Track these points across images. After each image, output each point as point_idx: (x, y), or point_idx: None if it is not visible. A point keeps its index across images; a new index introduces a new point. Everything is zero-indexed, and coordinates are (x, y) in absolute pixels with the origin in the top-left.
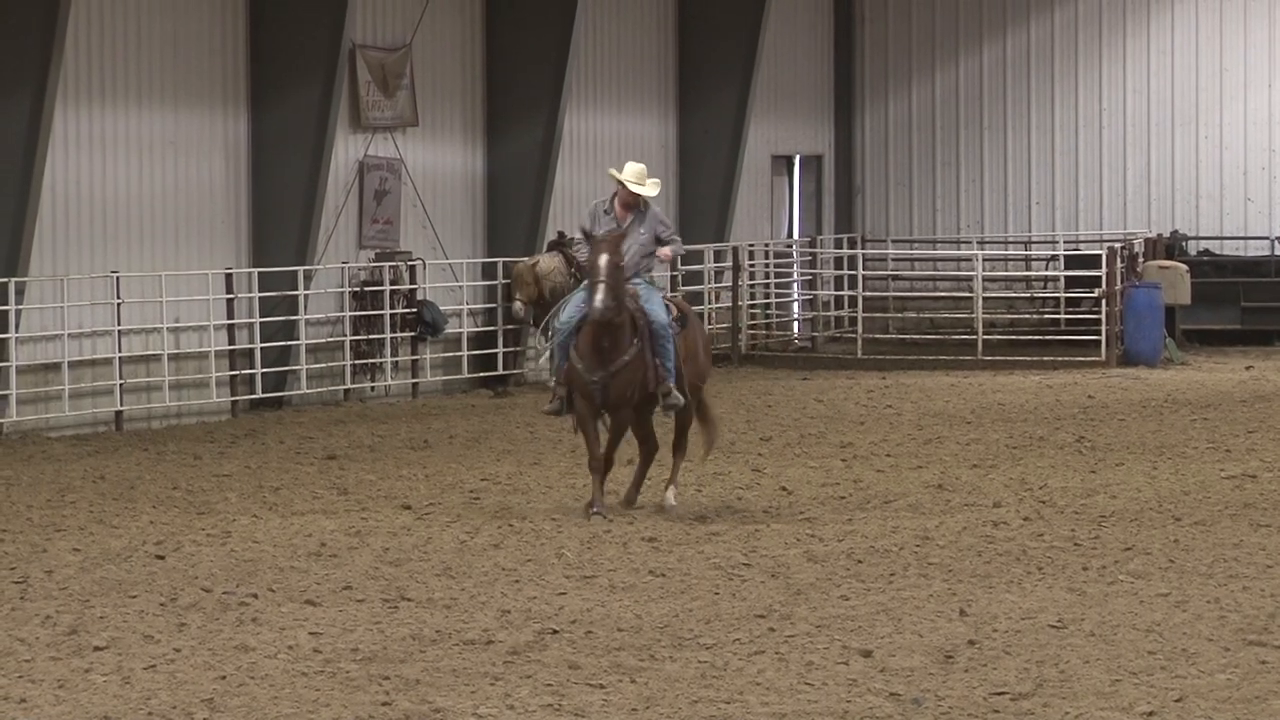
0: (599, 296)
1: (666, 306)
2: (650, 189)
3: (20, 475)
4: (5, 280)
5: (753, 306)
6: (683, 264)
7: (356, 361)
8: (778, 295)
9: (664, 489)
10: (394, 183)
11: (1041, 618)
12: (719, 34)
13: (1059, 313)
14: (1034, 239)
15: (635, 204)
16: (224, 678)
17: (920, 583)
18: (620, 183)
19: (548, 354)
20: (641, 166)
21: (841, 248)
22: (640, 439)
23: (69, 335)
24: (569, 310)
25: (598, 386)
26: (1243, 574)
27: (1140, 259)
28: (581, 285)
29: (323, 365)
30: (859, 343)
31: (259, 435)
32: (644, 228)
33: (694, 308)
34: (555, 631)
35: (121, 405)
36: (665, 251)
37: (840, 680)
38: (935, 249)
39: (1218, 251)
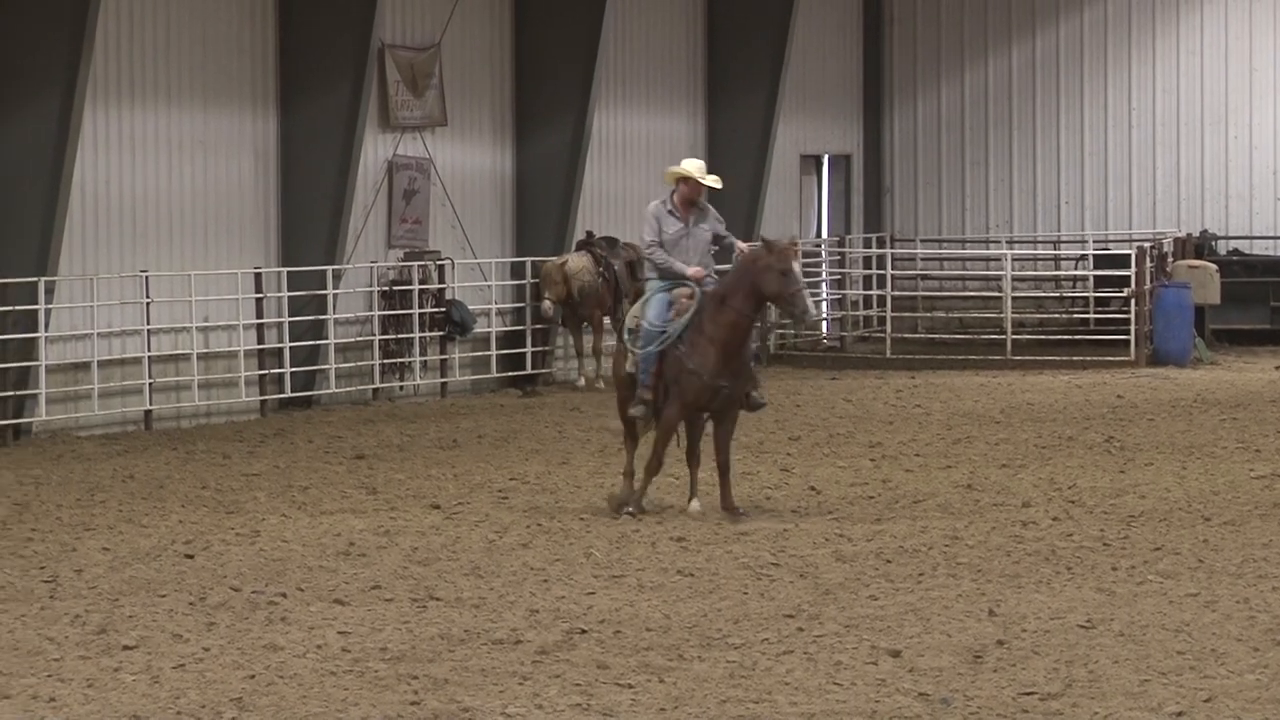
0: (813, 303)
1: None
2: (714, 181)
3: (50, 474)
4: (35, 279)
5: None
6: None
7: (385, 361)
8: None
9: (688, 501)
10: (423, 182)
11: (1070, 618)
12: (747, 33)
13: (1088, 312)
14: (1063, 239)
15: (694, 202)
16: (253, 677)
17: (949, 583)
18: (684, 179)
19: (634, 354)
20: (701, 163)
21: (870, 247)
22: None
23: (98, 334)
24: (656, 312)
25: (726, 390)
26: (1272, 574)
27: (1169, 259)
28: (659, 287)
29: (351, 365)
30: (888, 342)
31: (288, 434)
32: (706, 225)
33: None
34: (584, 631)
35: (151, 404)
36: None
37: (869, 680)
38: (964, 249)
39: (1247, 251)
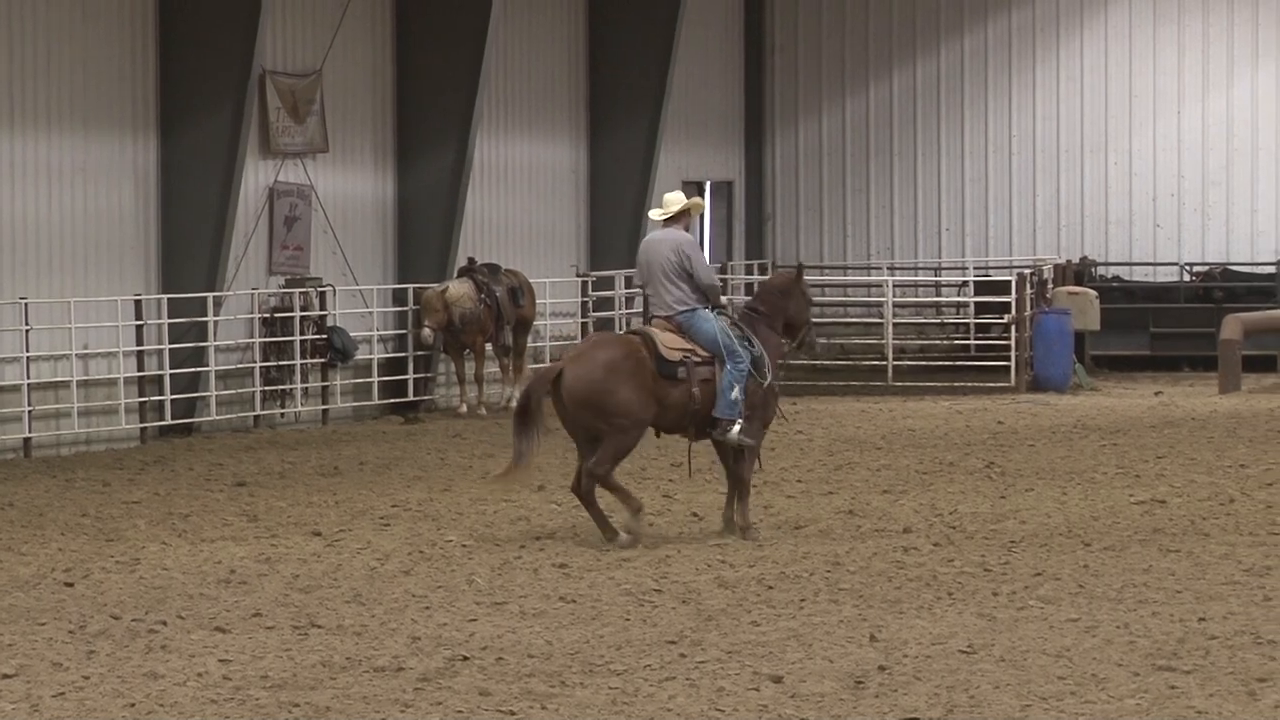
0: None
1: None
2: (686, 205)
3: None
4: None
5: None
6: (594, 290)
7: (266, 388)
8: None
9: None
10: (304, 209)
11: (952, 643)
12: (630, 60)
13: (969, 339)
14: (944, 265)
15: (687, 229)
16: (133, 705)
17: (831, 608)
18: (686, 210)
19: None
20: (679, 194)
21: (752, 274)
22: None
23: None
24: (737, 338)
25: None
26: (1152, 599)
27: (1050, 285)
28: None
29: (232, 392)
30: None
31: (168, 462)
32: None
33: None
34: (466, 658)
35: (30, 432)
36: None
37: (751, 706)
38: (846, 275)
39: (1127, 278)
